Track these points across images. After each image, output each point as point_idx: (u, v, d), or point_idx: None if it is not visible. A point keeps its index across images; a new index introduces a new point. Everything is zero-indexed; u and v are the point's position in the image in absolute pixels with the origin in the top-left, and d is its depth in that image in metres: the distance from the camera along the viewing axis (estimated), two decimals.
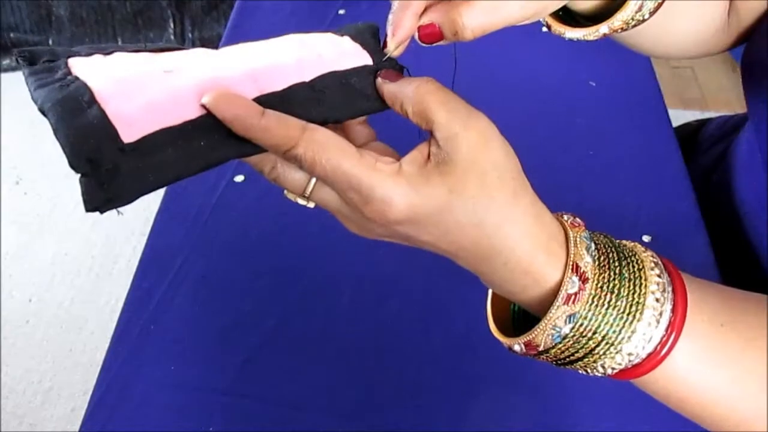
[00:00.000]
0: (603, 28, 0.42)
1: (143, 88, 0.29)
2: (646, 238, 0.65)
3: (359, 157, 0.30)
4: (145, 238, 0.66)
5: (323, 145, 0.29)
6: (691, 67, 2.06)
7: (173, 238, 0.65)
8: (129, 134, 0.27)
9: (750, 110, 0.53)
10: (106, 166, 0.26)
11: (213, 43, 1.94)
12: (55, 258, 1.57)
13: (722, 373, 0.32)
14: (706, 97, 1.97)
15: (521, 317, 0.37)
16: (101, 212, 0.27)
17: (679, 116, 0.85)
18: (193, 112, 0.29)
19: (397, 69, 0.35)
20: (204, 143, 0.29)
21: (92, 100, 0.27)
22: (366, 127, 0.36)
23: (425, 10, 0.35)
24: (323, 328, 0.59)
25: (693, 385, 0.32)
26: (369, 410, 0.55)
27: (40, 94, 0.28)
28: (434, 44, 0.35)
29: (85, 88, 0.28)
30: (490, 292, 0.37)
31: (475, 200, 0.30)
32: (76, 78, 0.29)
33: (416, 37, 0.35)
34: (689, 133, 0.78)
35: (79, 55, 0.32)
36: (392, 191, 0.30)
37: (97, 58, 0.32)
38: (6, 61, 1.98)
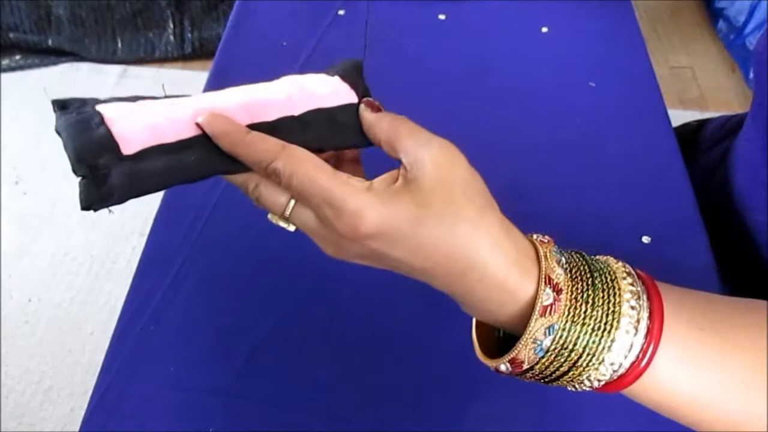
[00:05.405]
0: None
1: (148, 113, 0.34)
2: (645, 240, 0.65)
3: (333, 172, 0.33)
4: (145, 238, 0.66)
5: (300, 160, 0.33)
6: (691, 67, 2.07)
7: (173, 238, 0.65)
8: (128, 148, 0.32)
9: (755, 100, 0.52)
10: (102, 171, 0.31)
11: (213, 43, 1.94)
12: (55, 258, 1.57)
13: (707, 378, 0.32)
14: (706, 97, 1.97)
15: (505, 346, 0.37)
16: (94, 210, 0.31)
17: (678, 116, 0.85)
18: (188, 133, 0.33)
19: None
20: (194, 158, 0.33)
21: (101, 122, 0.32)
22: (356, 167, 0.39)
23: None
24: (323, 328, 0.59)
25: (679, 392, 0.33)
26: (369, 411, 0.55)
27: (60, 120, 0.33)
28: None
29: (97, 114, 0.33)
30: (474, 320, 0.38)
31: (442, 213, 0.32)
32: (94, 108, 0.34)
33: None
34: (689, 134, 0.78)
35: (106, 103, 0.36)
36: (363, 204, 0.32)
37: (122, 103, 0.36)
38: (6, 61, 1.98)
